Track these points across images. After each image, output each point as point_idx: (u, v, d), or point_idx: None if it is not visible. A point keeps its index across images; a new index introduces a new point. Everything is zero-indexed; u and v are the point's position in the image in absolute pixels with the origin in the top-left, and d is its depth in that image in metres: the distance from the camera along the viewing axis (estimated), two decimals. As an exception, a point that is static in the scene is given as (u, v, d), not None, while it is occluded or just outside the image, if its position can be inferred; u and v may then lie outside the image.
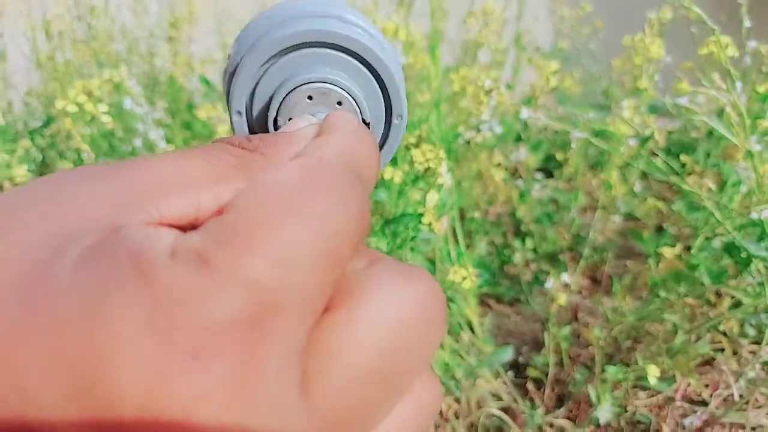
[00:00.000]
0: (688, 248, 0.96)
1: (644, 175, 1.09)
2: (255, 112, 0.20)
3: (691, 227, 0.86)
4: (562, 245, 1.06)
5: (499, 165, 1.05)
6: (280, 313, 0.12)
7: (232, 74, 0.20)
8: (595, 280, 1.05)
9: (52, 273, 0.11)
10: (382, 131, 0.21)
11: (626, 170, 0.96)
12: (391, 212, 0.62)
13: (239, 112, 0.20)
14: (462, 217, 1.05)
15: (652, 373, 0.55)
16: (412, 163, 0.56)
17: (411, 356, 0.14)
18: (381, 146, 0.22)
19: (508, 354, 0.64)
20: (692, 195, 0.73)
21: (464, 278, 0.58)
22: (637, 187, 0.98)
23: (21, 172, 0.94)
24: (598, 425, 0.65)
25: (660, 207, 0.83)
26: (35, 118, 1.36)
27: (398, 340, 0.14)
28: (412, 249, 0.68)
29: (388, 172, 0.63)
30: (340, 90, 0.20)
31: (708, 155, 1.00)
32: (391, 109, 0.21)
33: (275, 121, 0.20)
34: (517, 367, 0.81)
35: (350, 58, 0.20)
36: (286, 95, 0.19)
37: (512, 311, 0.97)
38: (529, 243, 1.09)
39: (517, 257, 1.06)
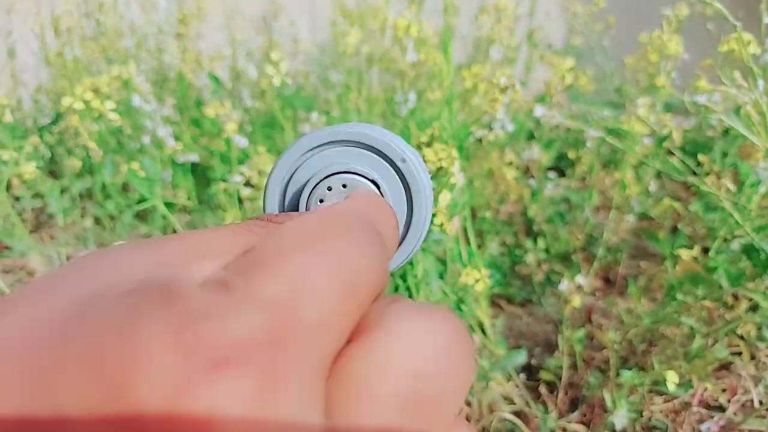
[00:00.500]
0: (705, 250, 0.94)
1: (659, 175, 1.07)
2: (288, 198, 0.22)
3: (707, 228, 0.84)
4: (575, 245, 1.04)
5: (510, 164, 1.03)
6: (301, 333, 0.12)
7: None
8: (608, 281, 1.03)
9: (92, 305, 0.12)
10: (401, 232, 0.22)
11: (641, 169, 0.94)
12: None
13: (273, 198, 0.22)
14: (473, 216, 1.04)
15: (671, 379, 0.53)
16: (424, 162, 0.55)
17: (437, 387, 0.14)
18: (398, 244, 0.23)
19: (521, 357, 0.63)
20: (710, 195, 0.71)
21: (477, 281, 0.57)
22: (652, 186, 0.96)
23: (30, 168, 0.93)
24: (613, 430, 0.63)
25: (676, 207, 0.81)
26: (44, 115, 1.35)
27: (423, 369, 0.13)
28: (423, 249, 0.67)
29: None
30: (368, 182, 0.21)
31: (725, 154, 0.98)
32: (412, 213, 0.22)
33: (307, 205, 0.21)
34: (529, 370, 0.80)
35: (383, 161, 0.21)
36: (320, 182, 0.21)
37: (524, 312, 0.96)
38: (542, 243, 1.08)
39: (529, 257, 1.05)
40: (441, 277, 0.78)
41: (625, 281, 0.99)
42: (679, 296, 0.67)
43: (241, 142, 0.68)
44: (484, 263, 0.85)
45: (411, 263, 0.66)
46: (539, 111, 0.63)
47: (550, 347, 0.85)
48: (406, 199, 0.21)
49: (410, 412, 0.13)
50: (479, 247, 0.96)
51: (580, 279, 0.69)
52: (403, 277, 0.64)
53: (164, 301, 0.12)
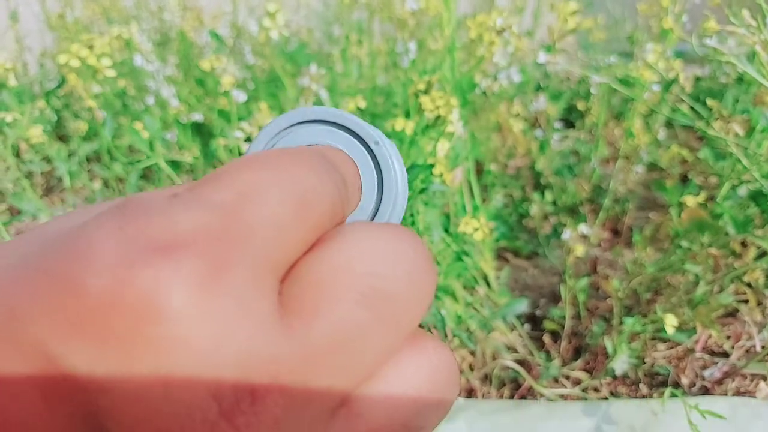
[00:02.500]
0: (712, 197, 0.92)
1: (669, 124, 1.05)
2: None
3: (717, 176, 0.83)
4: (582, 197, 1.03)
5: (518, 116, 1.02)
6: (247, 231, 0.12)
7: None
8: (615, 232, 1.03)
9: (52, 236, 0.13)
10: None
11: (650, 118, 0.92)
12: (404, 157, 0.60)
13: None
14: (479, 170, 1.03)
15: (670, 322, 0.53)
16: (421, 112, 0.54)
17: (394, 288, 0.14)
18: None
19: (522, 305, 0.63)
20: (718, 141, 0.70)
21: (476, 229, 0.57)
22: (661, 135, 0.94)
23: (36, 132, 0.94)
24: (614, 376, 0.64)
25: (684, 155, 0.80)
26: (50, 80, 1.35)
27: (379, 269, 0.14)
28: (425, 203, 0.66)
29: (399, 123, 0.62)
30: None
31: (737, 101, 0.96)
32: (381, 199, 0.22)
33: None
34: (533, 321, 0.81)
35: (357, 143, 0.21)
36: None
37: (530, 265, 0.96)
38: (549, 196, 1.07)
39: (535, 210, 1.04)
40: (446, 230, 0.78)
41: (631, 232, 0.99)
42: (684, 244, 0.67)
43: (240, 96, 0.68)
44: (489, 216, 0.85)
45: (413, 216, 0.66)
46: (543, 58, 0.62)
47: (555, 299, 0.85)
48: (378, 184, 0.21)
49: (368, 306, 0.13)
50: (484, 200, 0.95)
51: (583, 228, 0.68)
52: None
53: (116, 210, 0.13)
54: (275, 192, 0.13)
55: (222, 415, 0.11)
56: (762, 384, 0.57)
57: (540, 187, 1.11)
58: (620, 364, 0.57)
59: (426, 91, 0.54)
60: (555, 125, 1.10)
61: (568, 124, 1.25)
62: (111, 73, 0.63)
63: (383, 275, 0.14)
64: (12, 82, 1.02)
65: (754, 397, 0.57)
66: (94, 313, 0.11)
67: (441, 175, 0.59)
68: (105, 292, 0.11)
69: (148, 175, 1.15)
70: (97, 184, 1.14)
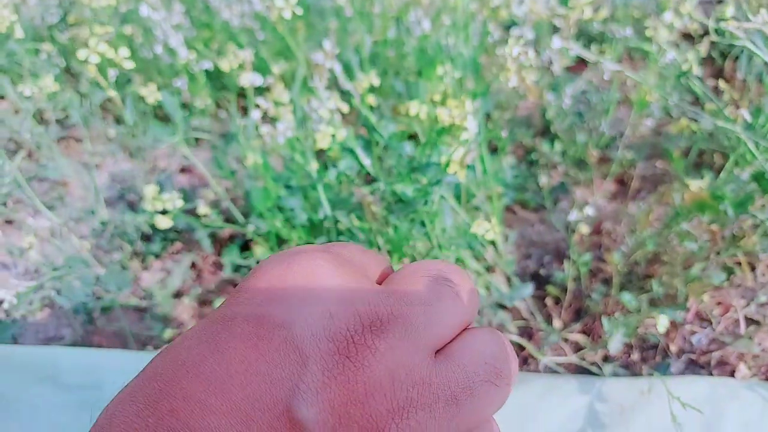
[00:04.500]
0: (718, 169, 0.94)
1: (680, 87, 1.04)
2: None
3: (722, 154, 0.84)
4: (592, 147, 1.05)
5: (530, 66, 1.00)
6: (432, 324, 0.21)
7: None
8: (622, 183, 1.05)
9: None
10: None
11: (663, 80, 0.92)
12: (417, 162, 0.62)
13: None
14: (492, 147, 1.04)
15: (662, 323, 0.58)
16: (436, 119, 0.56)
17: (495, 371, 0.21)
18: None
19: (527, 289, 0.68)
20: (726, 120, 0.71)
21: (487, 231, 0.60)
22: (674, 99, 0.94)
23: (48, 82, 0.94)
24: (605, 357, 0.70)
25: (693, 129, 0.81)
26: (51, 13, 1.32)
27: (490, 355, 0.21)
28: (437, 181, 0.69)
29: (414, 107, 0.63)
30: None
31: (750, 57, 0.95)
32: None
33: None
34: (538, 279, 0.86)
35: None
36: None
37: (537, 218, 1.00)
38: (558, 146, 1.08)
39: (544, 161, 1.06)
40: (457, 199, 0.81)
41: (637, 184, 1.01)
42: (684, 225, 0.70)
43: (256, 80, 0.68)
44: (499, 181, 0.88)
45: (425, 196, 0.69)
46: (557, 43, 0.61)
47: (560, 256, 0.90)
48: None
49: (481, 381, 0.20)
50: (495, 151, 0.97)
51: (589, 210, 0.71)
52: (417, 211, 0.67)
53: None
54: (460, 299, 0.21)
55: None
56: (742, 365, 0.63)
57: (550, 135, 1.12)
58: (615, 344, 0.62)
59: (443, 102, 0.55)
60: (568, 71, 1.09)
61: (580, 66, 1.23)
62: (126, 59, 0.63)
63: (492, 359, 0.21)
64: (18, 33, 1.01)
65: (733, 375, 0.63)
66: None
67: (455, 173, 0.61)
68: None
69: (162, 117, 1.16)
70: (112, 131, 1.15)
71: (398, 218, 0.64)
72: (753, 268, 0.83)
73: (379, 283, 0.23)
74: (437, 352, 0.20)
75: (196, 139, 1.16)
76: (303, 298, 0.19)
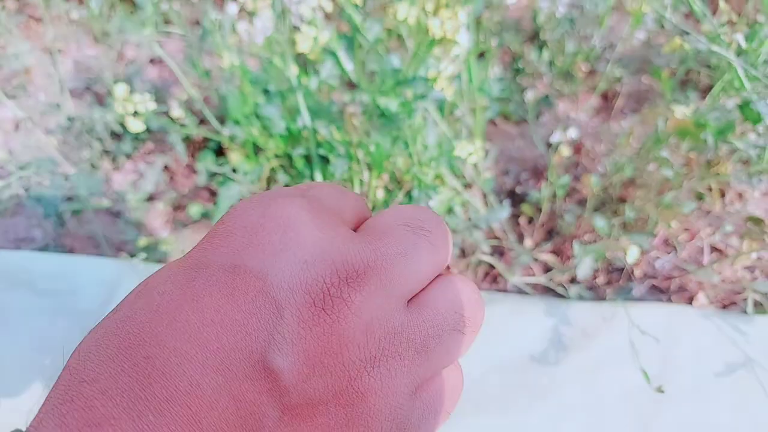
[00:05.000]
0: (704, 90, 0.93)
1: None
2: None
3: (710, 77, 0.82)
4: (580, 57, 1.02)
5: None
6: (399, 274, 0.21)
7: None
8: (606, 99, 1.04)
9: None
10: None
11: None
12: (404, 74, 0.60)
13: None
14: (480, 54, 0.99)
15: (632, 254, 0.60)
16: (427, 31, 0.53)
17: (468, 316, 0.22)
18: None
19: (504, 211, 0.69)
20: (720, 42, 0.69)
21: (470, 154, 0.59)
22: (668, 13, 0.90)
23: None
24: (572, 279, 0.73)
25: (686, 49, 0.78)
26: None
27: (461, 302, 0.22)
28: (422, 96, 0.67)
29: (402, 9, 0.59)
30: None
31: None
32: None
33: None
34: (513, 197, 0.87)
35: None
36: None
37: (518, 133, 0.99)
38: (546, 54, 1.05)
39: (530, 70, 1.04)
40: (441, 112, 0.79)
41: (622, 102, 1.00)
42: (663, 153, 0.70)
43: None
44: (484, 92, 0.85)
45: (409, 112, 0.67)
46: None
47: (537, 174, 0.90)
48: None
49: (450, 329, 0.21)
50: (482, 55, 0.94)
51: (572, 132, 0.71)
52: (400, 128, 0.65)
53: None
54: (425, 251, 0.21)
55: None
56: (701, 294, 0.66)
57: (538, 42, 1.09)
58: (584, 269, 0.64)
59: (435, 12, 0.51)
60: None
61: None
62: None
63: (463, 306, 0.22)
64: None
65: (692, 302, 0.67)
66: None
67: (442, 89, 0.59)
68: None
69: None
70: (75, 14, 1.07)
71: (380, 133, 0.63)
72: (722, 195, 0.84)
73: (356, 227, 0.24)
74: (410, 300, 0.21)
75: (168, 32, 1.09)
76: (279, 249, 0.19)
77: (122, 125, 0.85)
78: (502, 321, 0.61)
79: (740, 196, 0.85)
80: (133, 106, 0.63)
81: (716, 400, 0.53)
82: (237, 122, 0.68)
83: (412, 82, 0.59)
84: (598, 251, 0.67)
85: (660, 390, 0.47)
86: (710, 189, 0.83)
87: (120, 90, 0.64)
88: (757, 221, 0.74)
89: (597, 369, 0.55)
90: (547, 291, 0.70)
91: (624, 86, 1.03)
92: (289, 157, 0.71)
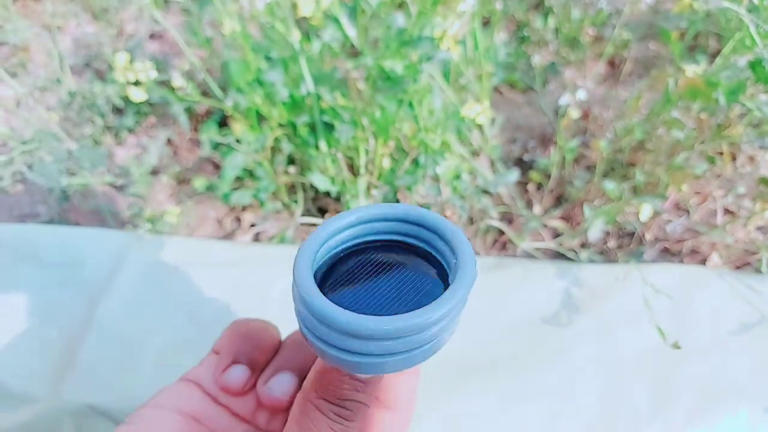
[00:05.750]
0: (713, 54, 0.91)
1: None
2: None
3: (720, 36, 0.81)
4: (587, 24, 1.00)
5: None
6: None
7: None
8: (612, 66, 1.02)
9: None
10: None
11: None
12: (409, 34, 0.58)
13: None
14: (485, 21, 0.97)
15: (644, 212, 0.59)
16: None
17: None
18: None
19: (513, 176, 0.68)
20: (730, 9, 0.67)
21: (478, 113, 0.58)
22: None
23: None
24: (582, 244, 0.72)
25: (695, 8, 0.77)
26: None
27: None
28: (428, 58, 0.65)
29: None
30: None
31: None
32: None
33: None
34: (521, 165, 0.85)
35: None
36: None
37: (524, 101, 0.97)
38: (552, 21, 1.03)
39: (536, 38, 1.02)
40: (446, 78, 0.78)
41: (629, 67, 0.99)
42: (675, 113, 0.69)
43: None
44: (490, 58, 0.84)
45: (414, 74, 0.65)
46: None
47: (545, 141, 0.89)
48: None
49: None
50: (486, 24, 0.92)
51: (581, 94, 0.69)
52: (406, 91, 0.64)
53: None
54: None
55: None
56: (714, 255, 0.65)
57: (543, 10, 1.07)
58: (595, 231, 0.63)
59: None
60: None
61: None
62: None
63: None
64: None
65: (704, 264, 0.66)
66: None
67: (448, 49, 0.58)
68: None
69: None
70: (71, -10, 1.06)
71: (385, 97, 0.62)
72: (734, 159, 0.83)
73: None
74: None
75: (166, 1, 1.07)
76: None
77: (124, 99, 0.84)
78: (511, 285, 0.60)
79: (751, 159, 0.84)
80: (134, 75, 0.62)
81: (733, 359, 0.52)
82: (239, 90, 0.67)
83: (418, 42, 0.58)
84: (609, 213, 0.66)
85: (676, 346, 0.46)
86: (721, 153, 0.82)
87: (121, 58, 0.63)
88: (769, 183, 0.73)
89: (610, 329, 0.54)
90: (558, 256, 0.70)
91: (631, 52, 1.01)
92: (293, 126, 0.70)
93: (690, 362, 0.52)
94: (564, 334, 0.55)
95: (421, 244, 0.25)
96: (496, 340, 0.54)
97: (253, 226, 0.74)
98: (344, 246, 0.25)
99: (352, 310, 0.21)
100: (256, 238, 0.73)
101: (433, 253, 0.24)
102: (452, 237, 0.23)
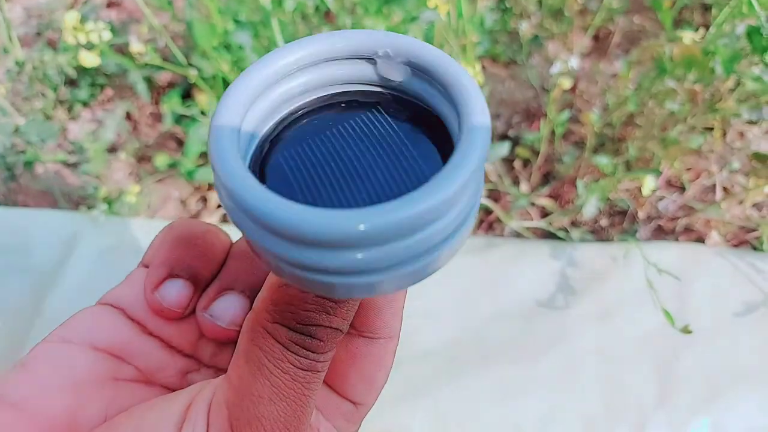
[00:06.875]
0: (697, 27, 0.88)
1: None
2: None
3: (716, 4, 0.77)
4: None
5: None
6: None
7: None
8: (597, 39, 0.98)
9: None
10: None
11: None
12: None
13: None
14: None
15: (648, 185, 0.55)
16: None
17: None
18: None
19: (503, 149, 0.63)
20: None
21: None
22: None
23: None
24: (573, 222, 0.68)
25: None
26: None
27: None
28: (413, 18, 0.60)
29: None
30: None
31: None
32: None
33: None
34: (506, 140, 0.81)
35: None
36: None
37: (507, 74, 0.93)
38: (534, -7, 0.99)
39: (519, 9, 0.97)
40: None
41: (617, 39, 0.95)
42: (670, 83, 0.65)
43: None
44: (474, 27, 0.79)
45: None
46: None
47: (529, 116, 0.85)
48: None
49: None
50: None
51: (573, 62, 0.65)
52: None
53: None
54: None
55: None
56: (714, 233, 0.62)
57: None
58: (589, 208, 0.60)
59: None
60: None
61: None
62: None
63: None
64: None
65: (703, 241, 0.63)
66: None
67: (436, 7, 0.53)
68: None
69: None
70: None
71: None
72: (724, 135, 0.80)
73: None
74: None
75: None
76: None
77: (77, 70, 0.77)
78: (502, 267, 0.56)
79: (741, 135, 0.81)
80: (85, 36, 0.56)
81: (739, 342, 0.49)
82: (204, 56, 0.61)
83: (402, 0, 0.53)
84: (604, 189, 0.63)
85: (686, 330, 0.43)
86: (710, 129, 0.79)
87: (70, 17, 0.56)
88: (762, 158, 0.70)
89: (610, 312, 0.51)
90: (548, 236, 0.66)
91: (616, 25, 0.97)
92: (265, 97, 0.64)
93: (695, 346, 0.49)
94: (561, 319, 0.51)
95: (401, 95, 0.17)
96: (489, 327, 0.50)
97: (220, 206, 0.68)
98: (288, 104, 0.17)
99: (308, 202, 0.14)
100: (224, 219, 0.67)
101: (423, 106, 0.16)
102: (452, 79, 0.15)
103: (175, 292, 0.23)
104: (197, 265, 0.23)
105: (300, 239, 0.13)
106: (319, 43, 0.16)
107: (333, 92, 0.17)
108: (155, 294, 0.23)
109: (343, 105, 0.17)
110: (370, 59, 0.16)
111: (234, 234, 0.23)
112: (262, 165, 0.15)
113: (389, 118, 0.16)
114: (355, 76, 0.17)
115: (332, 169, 0.15)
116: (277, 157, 0.15)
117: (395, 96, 0.17)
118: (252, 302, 0.23)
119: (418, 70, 0.16)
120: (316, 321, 0.17)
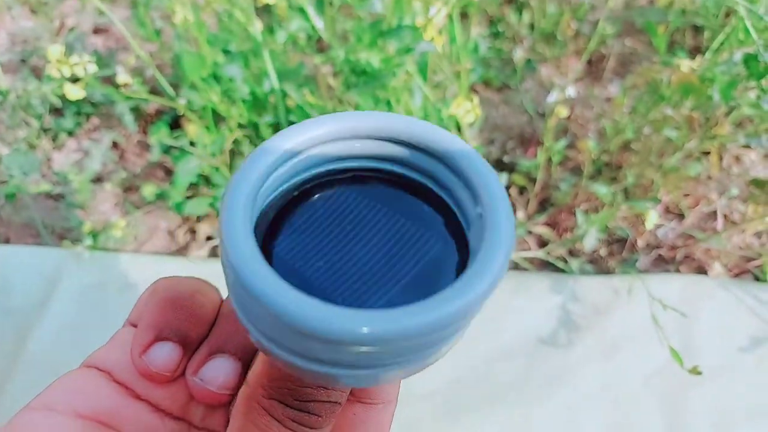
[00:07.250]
0: (690, 51, 0.88)
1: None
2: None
3: (712, 31, 0.77)
4: (563, 21, 0.96)
5: None
6: None
7: None
8: (590, 64, 0.98)
9: None
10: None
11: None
12: (386, 24, 0.52)
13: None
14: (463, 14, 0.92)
15: (651, 219, 0.54)
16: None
17: None
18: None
19: (502, 179, 0.62)
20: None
21: (467, 111, 0.52)
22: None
23: None
24: (570, 252, 0.67)
25: (685, 2, 0.73)
26: None
27: None
28: (408, 49, 0.59)
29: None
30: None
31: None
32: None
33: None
34: (501, 167, 0.80)
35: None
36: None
37: (500, 99, 0.92)
38: (527, 17, 0.99)
39: (510, 34, 0.97)
40: (423, 76, 0.72)
41: (612, 64, 0.95)
42: (668, 110, 0.65)
43: None
44: (468, 53, 0.78)
45: (395, 69, 0.59)
46: None
47: (523, 141, 0.84)
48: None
49: None
50: (463, 16, 0.87)
51: (570, 90, 0.64)
52: (385, 86, 0.58)
53: None
54: None
55: None
56: (717, 264, 0.61)
57: (517, 3, 1.02)
58: (590, 239, 0.58)
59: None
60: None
61: None
62: None
63: None
64: None
65: (704, 271, 0.61)
66: None
67: (432, 39, 0.52)
68: None
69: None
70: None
71: (360, 94, 0.55)
72: (720, 159, 0.80)
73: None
74: None
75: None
76: None
77: (62, 99, 0.75)
78: (503, 301, 0.54)
79: (737, 159, 0.81)
80: (69, 69, 0.54)
81: (747, 378, 0.48)
82: (193, 87, 0.59)
83: (397, 32, 0.51)
84: (603, 220, 0.61)
85: (696, 371, 0.41)
86: (707, 153, 0.78)
87: (54, 51, 0.54)
88: (761, 184, 0.69)
89: (614, 349, 0.49)
90: (546, 266, 0.64)
91: (610, 49, 0.97)
92: (255, 126, 0.63)
93: (703, 383, 0.47)
94: (565, 357, 0.49)
95: (418, 177, 0.16)
96: (491, 366, 0.49)
97: (210, 239, 0.66)
98: (301, 177, 0.16)
99: (318, 293, 0.13)
100: (213, 252, 0.65)
101: (437, 190, 0.16)
102: (468, 165, 0.14)
103: (164, 355, 0.22)
104: (186, 328, 0.23)
105: (316, 338, 0.12)
106: (337, 123, 0.16)
107: (344, 166, 0.16)
108: (143, 357, 0.22)
109: (353, 177, 0.16)
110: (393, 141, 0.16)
111: (223, 289, 0.22)
112: (271, 237, 0.15)
113: (399, 192, 0.16)
114: (365, 153, 0.16)
115: (343, 247, 0.14)
116: (285, 239, 0.15)
117: (406, 174, 0.17)
118: (243, 364, 0.22)
119: (431, 154, 0.15)
120: (314, 397, 0.17)
